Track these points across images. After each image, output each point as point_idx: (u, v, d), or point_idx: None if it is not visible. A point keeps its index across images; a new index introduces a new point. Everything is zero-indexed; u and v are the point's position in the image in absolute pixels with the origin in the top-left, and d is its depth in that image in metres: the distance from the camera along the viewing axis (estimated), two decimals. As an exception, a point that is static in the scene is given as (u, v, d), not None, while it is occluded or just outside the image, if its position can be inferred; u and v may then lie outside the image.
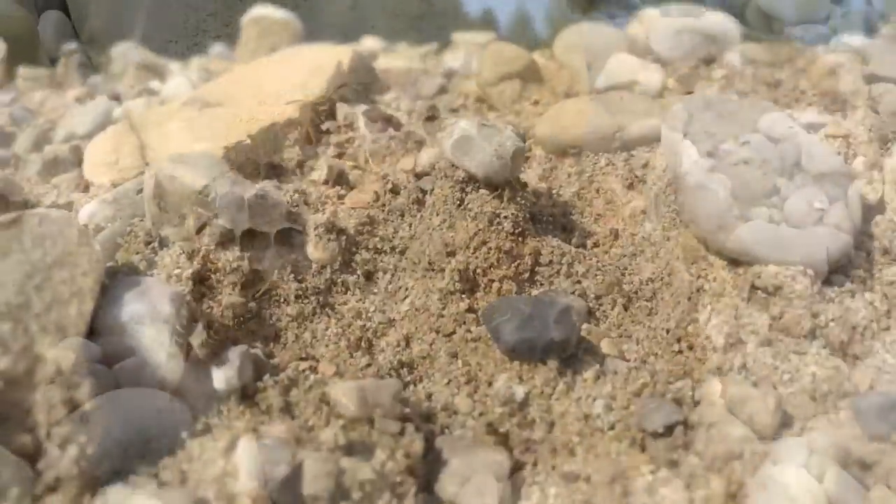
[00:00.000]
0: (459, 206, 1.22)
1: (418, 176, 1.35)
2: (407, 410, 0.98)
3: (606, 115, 1.45)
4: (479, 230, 1.19)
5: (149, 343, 0.99)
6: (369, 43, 2.91)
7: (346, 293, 1.21)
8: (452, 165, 1.23)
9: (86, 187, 1.55)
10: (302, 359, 1.11)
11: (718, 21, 2.32)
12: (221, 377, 1.01)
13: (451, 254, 1.19)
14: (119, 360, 0.97)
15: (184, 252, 1.15)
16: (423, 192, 1.31)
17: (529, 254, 1.20)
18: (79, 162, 1.82)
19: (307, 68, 1.76)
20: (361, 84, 1.90)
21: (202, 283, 1.14)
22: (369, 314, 1.20)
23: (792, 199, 1.15)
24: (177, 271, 1.13)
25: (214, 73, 2.65)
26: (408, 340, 1.16)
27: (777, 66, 1.89)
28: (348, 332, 1.15)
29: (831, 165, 1.19)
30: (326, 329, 1.16)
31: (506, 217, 1.19)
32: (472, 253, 1.18)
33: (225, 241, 1.17)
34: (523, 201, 1.23)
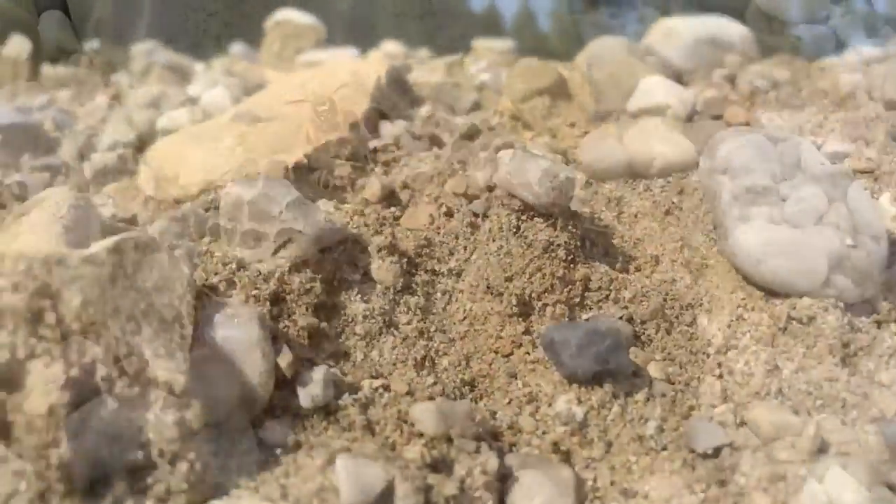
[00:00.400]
0: (516, 233, 1.30)
1: (469, 199, 1.43)
2: (479, 429, 1.07)
3: (642, 141, 1.54)
4: (535, 257, 1.27)
5: (241, 363, 1.06)
6: (390, 47, 2.98)
7: (407, 313, 1.29)
8: (509, 195, 1.31)
9: (144, 200, 1.61)
10: (373, 377, 1.19)
11: (733, 30, 2.42)
12: (307, 396, 1.09)
13: (509, 279, 1.27)
14: (216, 381, 1.05)
15: (261, 273, 1.23)
16: (476, 215, 1.40)
17: (580, 280, 1.28)
18: (127, 171, 1.89)
19: (349, 82, 1.83)
20: (397, 97, 1.97)
21: (278, 303, 1.22)
22: (430, 334, 1.28)
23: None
24: (255, 292, 1.21)
25: (238, 75, 2.71)
26: (468, 360, 1.25)
27: (796, 84, 1.98)
28: (413, 352, 1.24)
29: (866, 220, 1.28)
30: (393, 348, 1.24)
31: (559, 245, 1.28)
32: (528, 279, 1.27)
33: (297, 263, 1.25)
34: (574, 229, 1.31)
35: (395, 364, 1.22)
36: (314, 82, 1.84)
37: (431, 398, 1.14)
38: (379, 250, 1.31)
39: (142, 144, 2.03)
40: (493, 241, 1.31)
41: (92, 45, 3.12)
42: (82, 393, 0.95)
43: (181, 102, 2.07)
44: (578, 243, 1.31)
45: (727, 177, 1.31)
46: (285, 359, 1.10)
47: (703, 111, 1.68)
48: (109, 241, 1.10)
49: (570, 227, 1.30)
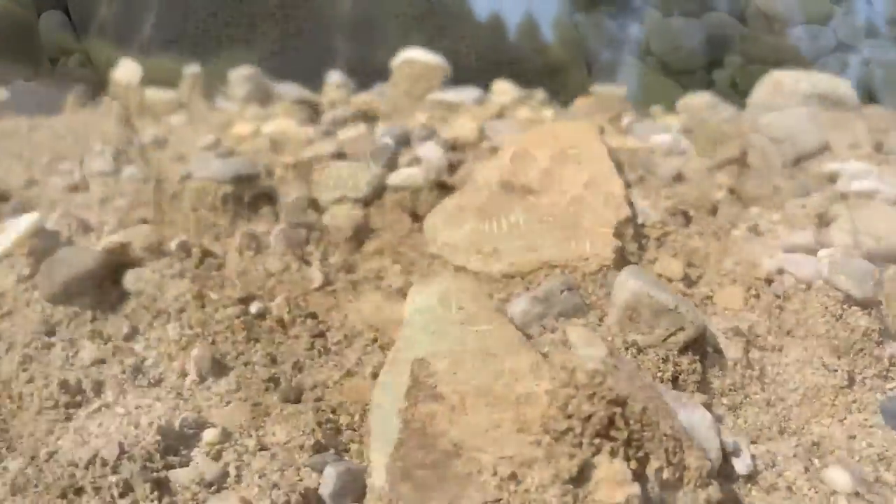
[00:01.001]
0: (839, 320, 1.60)
1: (766, 281, 1.71)
2: (875, 485, 1.37)
3: (886, 229, 1.85)
4: (857, 340, 1.58)
5: (704, 443, 1.31)
6: (503, 88, 3.17)
7: (751, 384, 1.57)
8: (833, 287, 1.60)
9: (454, 268, 1.78)
10: (752, 442, 1.46)
11: (839, 87, 2.77)
12: (743, 464, 1.36)
13: (839, 357, 1.57)
14: (697, 460, 1.29)
15: (658, 356, 1.47)
16: (777, 297, 1.68)
17: (888, 357, 1.60)
18: (369, 230, 2.04)
19: (588, 152, 2.04)
20: (613, 165, 2.20)
21: (672, 382, 1.47)
22: (772, 402, 1.56)
23: None
24: (659, 374, 1.45)
25: (366, 115, 2.85)
26: (807, 423, 1.54)
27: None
28: (768, 418, 1.51)
29: None
30: (757, 415, 1.51)
31: (874, 331, 1.59)
32: (853, 357, 1.57)
33: (682, 346, 1.49)
34: (881, 315, 1.63)
35: (761, 429, 1.50)
36: (545, 155, 2.02)
37: (811, 460, 1.43)
38: (725, 332, 1.58)
39: (370, 200, 2.16)
40: (819, 324, 1.60)
41: (191, 68, 3.13)
42: (642, 483, 1.18)
43: (409, 162, 2.20)
44: (883, 327, 1.62)
45: None
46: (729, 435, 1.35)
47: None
48: (597, 342, 1.31)
49: (878, 314, 1.61)
